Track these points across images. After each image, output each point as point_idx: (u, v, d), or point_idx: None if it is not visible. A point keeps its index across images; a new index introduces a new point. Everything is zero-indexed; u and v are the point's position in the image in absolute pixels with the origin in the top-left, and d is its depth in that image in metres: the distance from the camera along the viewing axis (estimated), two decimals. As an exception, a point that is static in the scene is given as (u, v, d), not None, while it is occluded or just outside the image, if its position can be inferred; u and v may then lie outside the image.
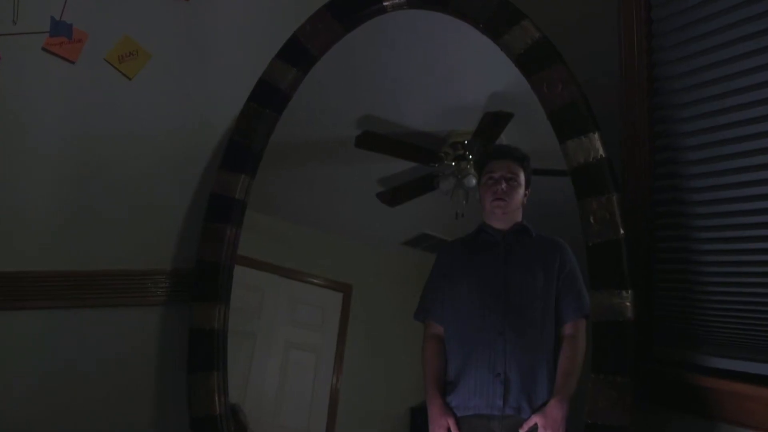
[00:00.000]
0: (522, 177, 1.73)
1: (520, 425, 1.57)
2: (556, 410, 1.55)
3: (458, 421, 1.63)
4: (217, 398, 1.83)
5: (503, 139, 1.84)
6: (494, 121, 1.81)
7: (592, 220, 1.49)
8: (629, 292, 1.43)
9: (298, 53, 1.91)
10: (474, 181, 1.84)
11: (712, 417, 1.46)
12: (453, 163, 1.91)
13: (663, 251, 1.59)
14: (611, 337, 1.44)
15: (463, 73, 1.88)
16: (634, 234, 1.52)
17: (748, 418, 1.37)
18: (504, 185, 1.71)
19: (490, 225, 1.75)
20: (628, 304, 1.43)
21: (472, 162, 1.88)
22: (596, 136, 1.51)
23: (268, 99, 1.93)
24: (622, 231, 1.46)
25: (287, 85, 1.92)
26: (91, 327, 1.91)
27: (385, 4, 1.81)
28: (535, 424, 1.55)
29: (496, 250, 1.72)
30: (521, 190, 1.73)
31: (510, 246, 1.71)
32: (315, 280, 2.06)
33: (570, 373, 1.58)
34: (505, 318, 1.63)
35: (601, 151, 1.50)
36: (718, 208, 1.47)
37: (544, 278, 1.65)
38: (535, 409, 1.57)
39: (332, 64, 1.91)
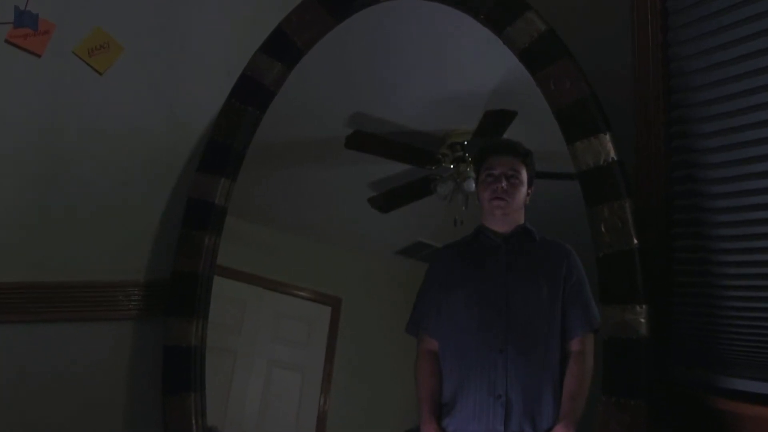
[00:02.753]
0: (524, 174, 1.69)
1: (523, 453, 1.54)
2: (562, 436, 1.54)
3: (455, 447, 1.60)
4: (194, 421, 1.81)
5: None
6: (496, 120, 1.79)
7: (602, 229, 1.48)
8: (643, 306, 1.43)
9: (284, 46, 1.90)
10: (474, 185, 1.81)
11: (734, 443, 1.44)
12: (451, 166, 1.89)
13: (680, 262, 1.56)
14: (624, 356, 1.43)
15: (463, 68, 1.87)
16: (649, 244, 1.50)
17: (775, 445, 1.36)
18: (504, 183, 1.68)
19: (489, 227, 1.72)
20: (642, 320, 1.42)
21: (471, 164, 1.86)
22: (607, 137, 1.50)
23: (250, 95, 1.92)
24: (635, 240, 1.45)
25: (271, 80, 1.91)
26: (56, 344, 1.88)
27: (377, -8, 1.82)
28: (540, 452, 1.53)
29: (496, 255, 1.68)
30: (523, 189, 1.69)
31: (512, 251, 1.68)
32: (301, 293, 2.05)
33: (577, 395, 1.55)
34: (506, 333, 1.60)
35: (612, 154, 1.49)
36: (741, 216, 1.44)
37: (549, 288, 1.62)
38: (540, 435, 1.55)
39: (320, 58, 1.90)
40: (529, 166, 1.70)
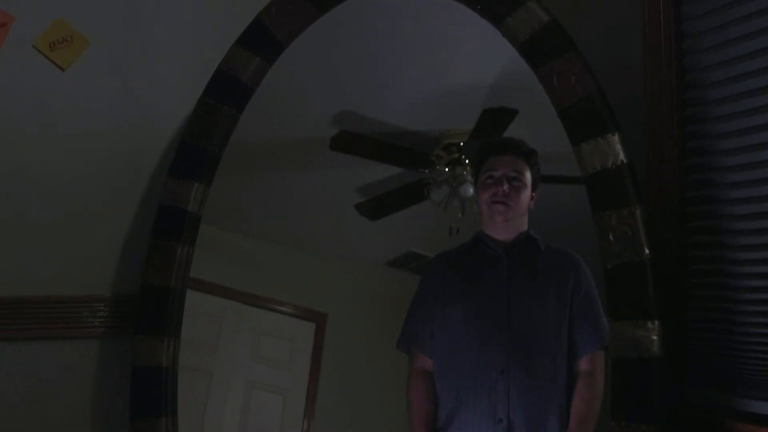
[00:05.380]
0: (528, 176, 1.68)
1: (527, 482, 1.53)
2: (569, 463, 1.53)
3: (451, 478, 1.60)
4: (166, 448, 1.81)
5: (505, 139, 1.83)
6: (495, 118, 1.79)
7: (611, 238, 1.47)
8: (656, 323, 1.41)
9: (263, 39, 1.90)
10: (471, 190, 1.81)
11: (755, 472, 1.43)
12: (446, 169, 1.89)
13: (696, 274, 1.54)
14: (634, 377, 1.42)
15: (459, 63, 1.86)
16: (662, 254, 1.48)
17: (799, 474, 1.35)
18: (506, 186, 1.67)
19: (489, 235, 1.70)
20: (654, 337, 1.41)
21: (468, 167, 1.86)
22: (615, 137, 1.49)
23: (226, 93, 1.92)
24: (646, 250, 1.44)
25: (249, 76, 1.91)
26: (13, 365, 1.86)
27: (365, -20, 1.84)
28: (545, 482, 1.53)
29: (497, 266, 1.67)
30: (527, 192, 1.69)
31: (514, 261, 1.67)
32: (282, 308, 2.05)
33: (586, 418, 1.54)
34: (508, 351, 1.59)
35: (621, 156, 1.48)
36: (761, 223, 1.41)
37: (555, 302, 1.61)
38: (545, 463, 1.54)
39: (303, 51, 1.89)
40: (533, 167, 1.69)
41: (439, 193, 1.88)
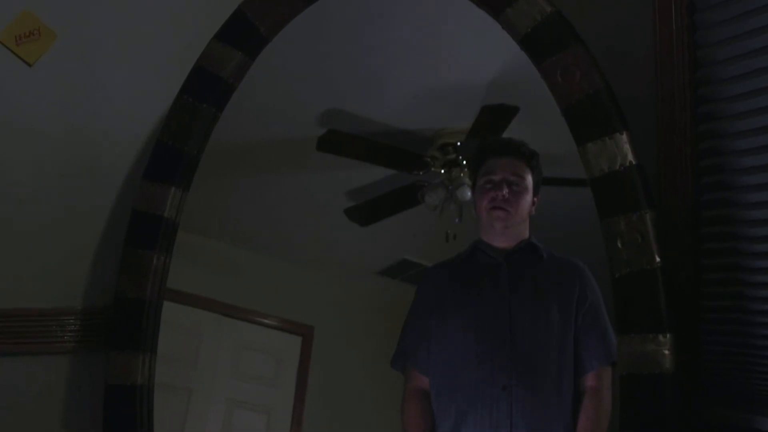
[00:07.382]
0: (529, 180, 1.69)
1: (530, 506, 1.54)
2: (575, 487, 1.51)
3: (450, 504, 1.60)
4: (142, 472, 1.79)
5: (505, 138, 1.84)
6: (494, 117, 1.81)
7: (619, 245, 1.46)
8: (667, 336, 1.40)
9: (244, 32, 1.89)
10: (469, 193, 1.81)
11: (776, 498, 1.42)
12: (442, 171, 1.89)
13: (711, 284, 1.53)
14: (645, 395, 1.40)
15: (456, 57, 1.86)
16: (674, 262, 1.48)
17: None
18: (506, 191, 1.67)
19: (488, 243, 1.71)
20: (666, 351, 1.39)
21: (466, 168, 1.85)
22: (624, 137, 1.48)
23: (205, 90, 1.90)
24: (658, 258, 1.42)
25: (230, 72, 1.89)
26: None
27: (355, -31, 1.85)
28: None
29: (497, 276, 1.67)
30: (528, 197, 1.69)
31: (515, 270, 1.67)
32: (266, 321, 2.04)
33: None
34: (510, 367, 1.59)
35: (630, 157, 1.47)
36: (781, 229, 1.41)
37: (559, 313, 1.61)
38: (550, 486, 1.53)
39: (288, 45, 1.88)
40: (534, 170, 1.70)
41: (434, 197, 1.88)
